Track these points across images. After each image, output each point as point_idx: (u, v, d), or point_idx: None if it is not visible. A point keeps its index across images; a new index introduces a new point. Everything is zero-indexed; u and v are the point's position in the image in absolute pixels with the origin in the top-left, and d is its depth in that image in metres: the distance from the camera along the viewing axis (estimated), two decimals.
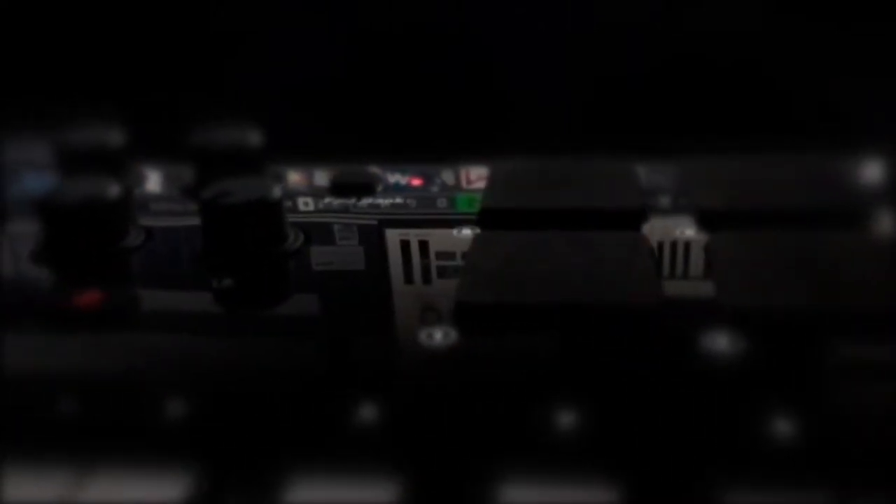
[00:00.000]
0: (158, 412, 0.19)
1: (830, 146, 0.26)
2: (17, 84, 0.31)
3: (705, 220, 0.25)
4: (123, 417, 0.19)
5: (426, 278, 0.24)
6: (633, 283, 0.21)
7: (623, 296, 0.21)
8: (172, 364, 0.20)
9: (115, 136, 0.29)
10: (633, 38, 0.31)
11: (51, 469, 0.17)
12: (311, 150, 0.30)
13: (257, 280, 0.24)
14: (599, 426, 0.18)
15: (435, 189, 0.28)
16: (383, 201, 0.27)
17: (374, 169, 0.29)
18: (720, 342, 0.20)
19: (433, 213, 0.27)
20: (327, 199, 0.27)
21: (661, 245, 0.24)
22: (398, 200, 0.27)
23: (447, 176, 0.28)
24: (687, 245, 0.24)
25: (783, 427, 0.17)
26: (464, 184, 0.28)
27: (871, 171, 0.26)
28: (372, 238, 0.26)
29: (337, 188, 0.28)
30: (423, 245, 0.25)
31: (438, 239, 0.25)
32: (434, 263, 0.24)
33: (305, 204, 0.27)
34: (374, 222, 0.26)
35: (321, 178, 0.29)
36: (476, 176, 0.28)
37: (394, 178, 0.29)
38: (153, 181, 0.30)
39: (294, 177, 0.29)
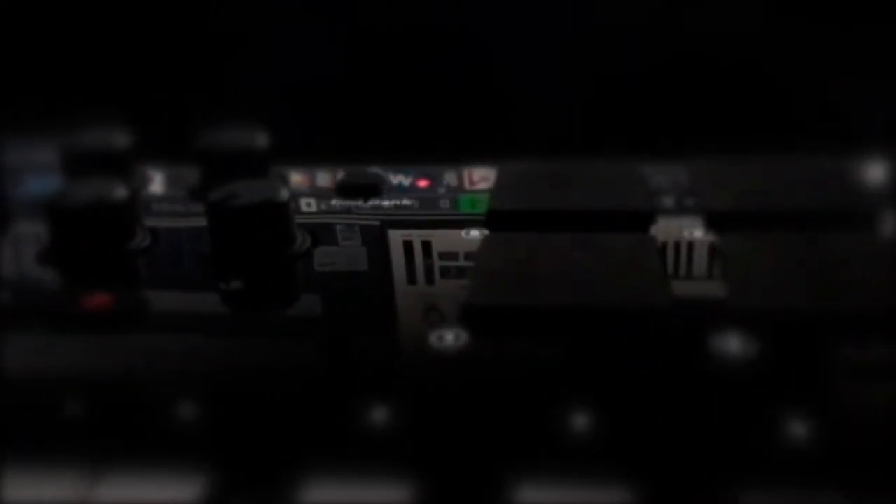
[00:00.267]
0: (169, 414, 0.19)
1: (838, 147, 0.26)
2: (20, 86, 0.31)
3: (713, 221, 0.25)
4: (134, 420, 0.19)
5: (429, 279, 0.24)
6: (643, 285, 0.21)
7: (633, 297, 0.21)
8: (183, 366, 0.20)
9: (119, 138, 0.28)
10: (636, 37, 0.32)
11: (61, 471, 0.17)
12: (313, 151, 0.30)
13: (266, 282, 0.24)
14: (611, 428, 0.18)
15: (442, 190, 0.28)
16: (386, 202, 0.27)
17: (376, 170, 0.29)
18: (731, 343, 0.20)
19: (436, 214, 0.27)
20: (334, 201, 0.27)
21: (664, 245, 0.24)
22: (405, 202, 0.27)
23: (450, 177, 0.28)
24: (690, 246, 0.24)
25: (795, 429, 0.17)
26: (467, 185, 0.28)
27: (880, 172, 0.26)
28: (375, 239, 0.26)
29: (343, 189, 0.28)
30: (426, 246, 0.25)
31: (441, 239, 0.25)
32: (437, 264, 0.24)
33: (308, 205, 0.27)
34: (377, 223, 0.26)
35: (323, 178, 0.29)
36: (479, 177, 0.28)
37: (396, 178, 0.28)
38: (156, 182, 0.29)
39: (296, 178, 0.29)
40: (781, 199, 0.25)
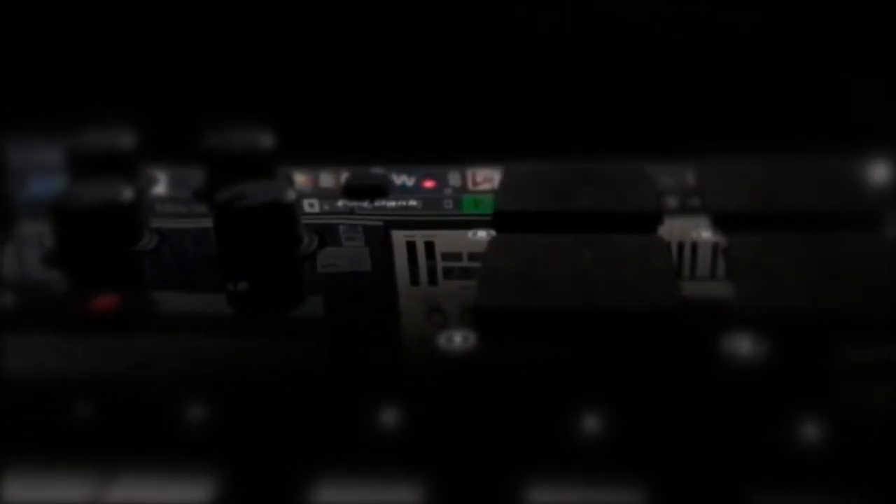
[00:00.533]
0: (177, 415, 0.19)
1: (846, 147, 0.27)
2: (23, 87, 0.31)
3: (720, 222, 0.25)
4: (143, 421, 0.19)
5: (432, 279, 0.24)
6: (652, 286, 0.21)
7: (643, 298, 0.21)
8: (190, 367, 0.20)
9: (124, 139, 0.28)
10: (642, 37, 0.32)
11: (70, 473, 0.17)
12: (315, 152, 0.30)
13: (274, 283, 0.24)
14: (621, 429, 0.18)
15: (448, 191, 0.28)
16: (389, 203, 0.27)
17: (378, 170, 0.29)
18: (741, 345, 0.20)
19: (439, 215, 0.27)
20: (340, 202, 0.27)
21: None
22: (410, 203, 0.27)
23: (453, 177, 0.28)
24: (694, 246, 0.24)
25: (805, 430, 0.17)
26: (470, 185, 0.28)
27: (888, 173, 0.26)
28: (378, 239, 0.26)
29: (349, 191, 0.28)
30: (429, 246, 0.25)
31: (444, 240, 0.25)
32: (440, 265, 0.24)
33: (311, 205, 0.27)
34: (380, 223, 0.26)
35: (326, 179, 0.29)
36: (482, 177, 0.28)
37: (399, 179, 0.28)
38: (158, 184, 0.29)
39: (299, 178, 0.29)
40: (789, 199, 0.25)
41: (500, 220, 0.25)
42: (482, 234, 0.25)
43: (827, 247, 0.22)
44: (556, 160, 0.27)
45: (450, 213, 0.27)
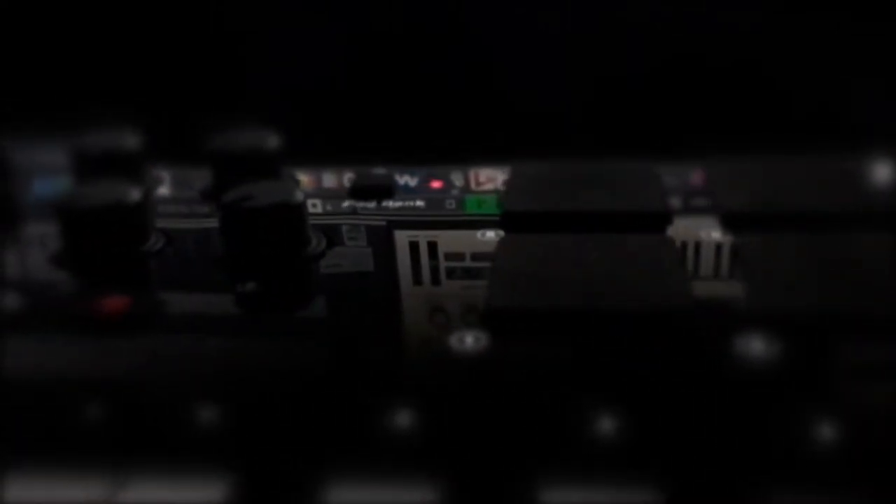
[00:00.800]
0: (187, 417, 0.19)
1: (855, 147, 0.27)
2: (27, 89, 0.31)
3: (729, 222, 0.25)
4: (151, 422, 0.19)
5: (435, 279, 0.24)
6: (663, 286, 0.21)
7: (655, 299, 0.21)
8: (198, 368, 0.20)
9: (130, 140, 0.28)
10: (642, 37, 0.32)
11: (79, 474, 0.17)
12: (317, 153, 0.30)
13: (282, 284, 0.24)
14: (632, 429, 0.18)
15: (455, 192, 0.28)
16: (392, 203, 0.27)
17: (381, 170, 0.29)
18: (753, 345, 0.20)
19: (441, 215, 0.27)
20: (347, 202, 0.27)
21: None
22: (413, 203, 0.27)
23: (456, 177, 0.28)
24: (697, 246, 0.24)
25: (816, 430, 0.17)
26: (473, 185, 0.28)
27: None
28: (380, 239, 0.26)
29: (356, 192, 0.28)
30: (432, 246, 0.25)
31: (447, 240, 0.25)
32: (443, 265, 0.24)
33: (313, 206, 0.27)
34: (383, 224, 0.26)
35: (329, 180, 0.29)
36: (485, 177, 0.28)
37: (402, 179, 0.29)
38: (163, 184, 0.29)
39: (302, 179, 0.29)
40: (798, 200, 0.25)
41: (508, 221, 0.25)
42: (491, 234, 0.25)
43: (836, 247, 0.23)
44: (559, 160, 0.27)
45: (452, 214, 0.27)
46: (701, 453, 0.17)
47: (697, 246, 0.24)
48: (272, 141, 0.28)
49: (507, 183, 0.27)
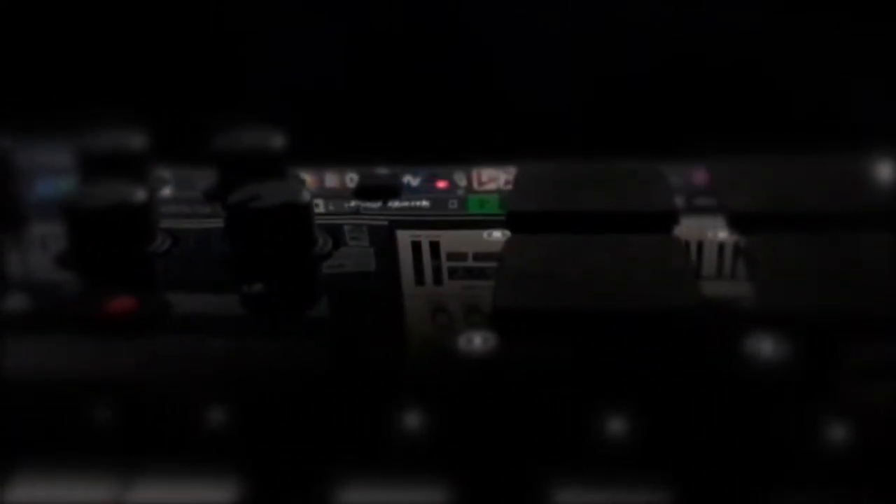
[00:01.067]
0: (192, 417, 0.19)
1: (861, 146, 0.27)
2: (29, 89, 0.31)
3: (736, 222, 0.25)
4: (161, 423, 0.19)
5: (437, 279, 0.24)
6: (671, 286, 0.21)
7: (662, 298, 0.21)
8: (205, 369, 0.20)
9: (135, 140, 0.28)
10: (644, 38, 0.32)
11: (88, 477, 0.17)
12: (319, 153, 0.30)
13: (291, 285, 0.24)
14: (641, 429, 0.18)
15: (460, 192, 0.28)
16: (394, 203, 0.27)
17: (383, 170, 0.29)
18: (761, 345, 0.20)
19: (444, 215, 0.27)
20: (353, 202, 0.27)
21: None
22: (416, 203, 0.27)
23: (458, 177, 0.29)
24: (700, 245, 0.24)
25: (826, 430, 0.17)
26: (475, 185, 0.28)
27: None
28: (382, 239, 0.26)
29: (361, 192, 0.28)
30: (434, 246, 0.25)
31: (449, 240, 0.25)
32: (445, 265, 0.24)
33: (315, 206, 0.27)
34: (385, 223, 0.26)
35: (331, 180, 0.29)
36: (487, 177, 0.28)
37: (404, 179, 0.29)
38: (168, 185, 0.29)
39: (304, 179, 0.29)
40: (805, 199, 0.25)
41: (514, 221, 0.25)
42: (497, 234, 0.25)
43: (844, 246, 0.23)
44: (562, 160, 0.27)
45: (455, 214, 0.27)
46: (710, 453, 0.17)
47: (700, 246, 0.24)
48: (277, 141, 0.28)
49: (513, 183, 0.27)
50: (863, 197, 0.25)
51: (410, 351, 0.22)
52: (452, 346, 0.20)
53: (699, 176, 0.28)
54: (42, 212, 0.27)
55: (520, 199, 0.26)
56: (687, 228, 0.25)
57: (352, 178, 0.29)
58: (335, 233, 0.26)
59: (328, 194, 0.28)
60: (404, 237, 0.26)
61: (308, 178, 0.29)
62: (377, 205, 0.27)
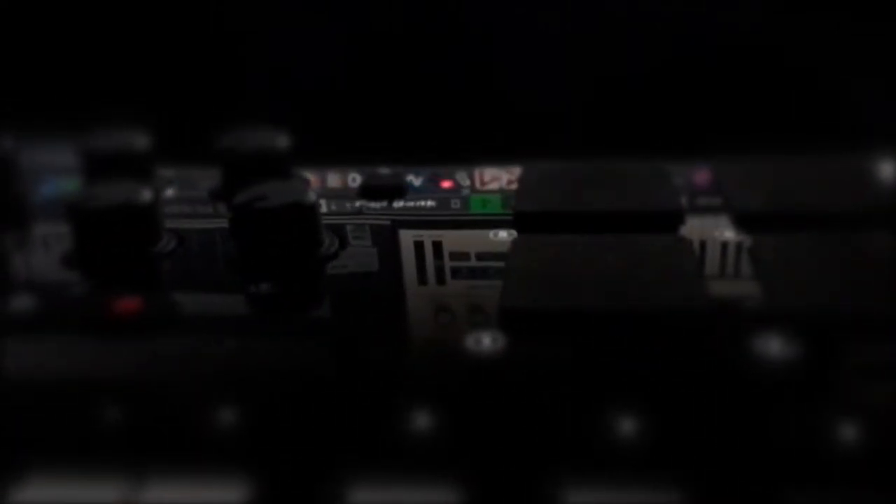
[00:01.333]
0: (199, 417, 0.19)
1: (867, 146, 0.27)
2: (32, 90, 0.31)
3: (742, 222, 0.25)
4: (169, 424, 0.19)
5: (440, 279, 0.24)
6: (678, 286, 0.21)
7: (670, 298, 0.21)
8: (212, 369, 0.20)
9: (140, 140, 0.28)
10: (645, 38, 0.32)
11: (95, 478, 0.17)
12: (320, 153, 0.30)
13: (298, 285, 0.24)
14: (649, 429, 0.18)
15: (465, 192, 0.28)
16: (396, 203, 0.27)
17: (385, 170, 0.29)
18: (770, 344, 0.20)
19: (446, 214, 0.27)
20: (358, 203, 0.27)
21: None
22: (419, 203, 0.27)
23: (461, 176, 0.29)
24: (702, 245, 0.24)
25: (833, 429, 0.17)
26: (478, 185, 0.28)
27: None
28: (385, 239, 0.26)
29: (366, 192, 0.28)
30: (437, 246, 0.25)
31: (452, 240, 0.25)
32: (448, 264, 0.24)
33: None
34: (388, 223, 0.26)
35: (333, 179, 0.29)
36: (490, 177, 0.28)
37: (407, 179, 0.29)
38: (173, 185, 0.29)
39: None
40: (811, 199, 0.25)
41: (520, 221, 0.25)
42: (503, 234, 0.25)
43: (850, 245, 0.23)
44: (565, 160, 0.27)
45: (457, 213, 0.27)
46: (719, 453, 0.17)
47: (703, 245, 0.24)
48: (282, 140, 0.28)
49: (519, 183, 0.27)
50: (867, 196, 0.25)
51: (419, 351, 0.22)
52: (461, 346, 0.20)
53: (701, 176, 0.28)
54: (46, 212, 0.27)
55: (527, 199, 0.26)
56: (689, 228, 0.25)
57: (354, 178, 0.29)
58: (339, 233, 0.26)
59: (330, 194, 0.28)
60: (407, 237, 0.26)
61: (310, 178, 0.29)
62: (378, 204, 0.27)
